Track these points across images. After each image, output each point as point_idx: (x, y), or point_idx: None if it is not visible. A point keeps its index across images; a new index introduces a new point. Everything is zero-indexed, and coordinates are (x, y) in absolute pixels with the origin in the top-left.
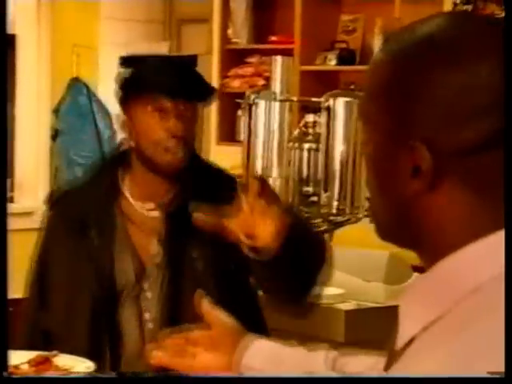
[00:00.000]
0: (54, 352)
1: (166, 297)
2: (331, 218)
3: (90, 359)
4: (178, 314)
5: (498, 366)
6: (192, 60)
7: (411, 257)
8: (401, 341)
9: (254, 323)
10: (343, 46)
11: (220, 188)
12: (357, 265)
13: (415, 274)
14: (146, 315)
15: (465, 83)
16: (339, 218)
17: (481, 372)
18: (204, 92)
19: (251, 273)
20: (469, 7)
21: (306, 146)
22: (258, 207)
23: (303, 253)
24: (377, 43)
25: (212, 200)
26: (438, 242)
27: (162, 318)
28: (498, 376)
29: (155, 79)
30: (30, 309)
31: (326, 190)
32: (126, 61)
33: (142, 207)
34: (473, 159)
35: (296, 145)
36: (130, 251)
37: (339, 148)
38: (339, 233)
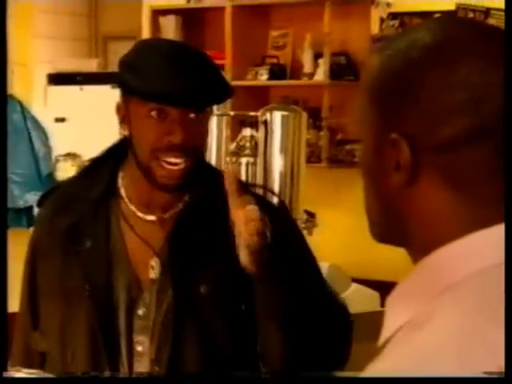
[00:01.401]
0: (17, 368)
1: (159, 318)
2: None
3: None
4: (169, 337)
5: (460, 362)
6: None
7: (350, 268)
8: (381, 339)
9: (250, 357)
10: (274, 60)
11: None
12: None
13: (354, 285)
14: (136, 335)
15: (444, 81)
16: None
17: (443, 369)
18: (218, 95)
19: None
20: (395, 22)
21: (244, 160)
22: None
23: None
24: (306, 58)
25: (223, 212)
26: (421, 238)
27: (152, 340)
28: (498, 376)
29: (158, 89)
30: (23, 328)
31: None
32: (125, 63)
33: (142, 216)
34: (452, 155)
35: (233, 159)
36: (124, 261)
37: (277, 161)
38: None
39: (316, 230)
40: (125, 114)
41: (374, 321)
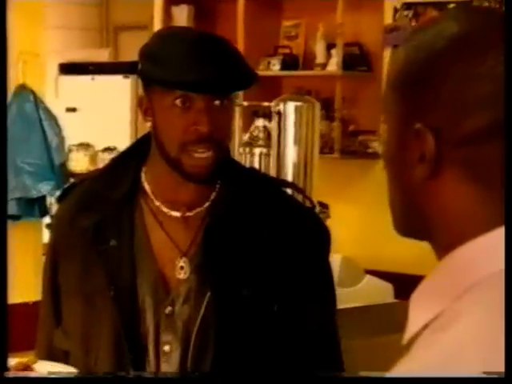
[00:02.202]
0: (33, 358)
1: (194, 319)
2: None
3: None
4: (198, 339)
5: (484, 362)
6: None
7: (364, 259)
8: (406, 335)
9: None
10: (286, 51)
11: (264, 196)
12: None
13: (368, 276)
14: (164, 335)
15: (470, 72)
16: None
17: (468, 369)
18: (242, 82)
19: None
20: (409, 12)
21: (257, 150)
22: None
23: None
24: (319, 48)
25: (255, 211)
26: (445, 233)
27: (181, 341)
28: (497, 376)
29: (182, 77)
30: (46, 326)
31: None
32: (146, 53)
33: (167, 212)
34: (475, 149)
35: (247, 150)
36: (150, 259)
37: (290, 152)
38: None
39: (329, 221)
40: (148, 106)
41: (388, 312)
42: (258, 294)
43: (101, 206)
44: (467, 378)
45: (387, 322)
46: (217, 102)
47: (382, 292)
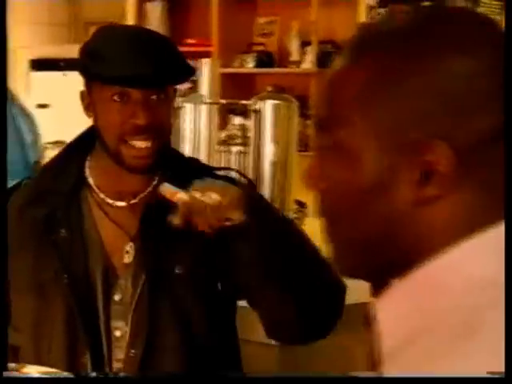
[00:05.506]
0: (22, 364)
1: (134, 302)
2: None
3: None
4: (145, 320)
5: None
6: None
7: None
8: (383, 347)
9: (225, 337)
10: (261, 48)
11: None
12: None
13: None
14: (114, 321)
15: (471, 70)
16: None
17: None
18: (180, 75)
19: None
20: (384, 10)
21: (234, 149)
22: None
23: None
24: (293, 46)
25: None
26: (424, 246)
27: (130, 326)
28: (498, 376)
29: (119, 72)
30: None
31: None
32: (86, 50)
33: (112, 203)
34: (482, 152)
35: (224, 148)
36: (99, 248)
37: (268, 150)
38: None
39: (307, 220)
40: (89, 101)
41: (364, 312)
42: (193, 272)
43: (49, 199)
44: (467, 377)
45: (362, 321)
46: (153, 96)
47: (359, 291)
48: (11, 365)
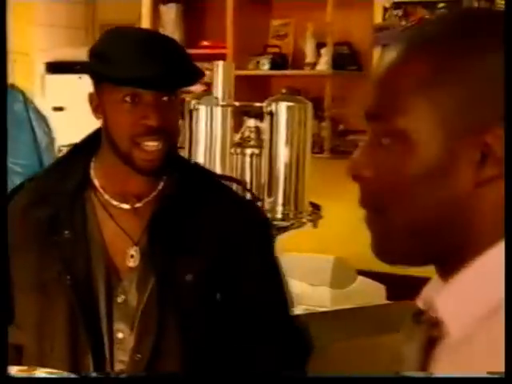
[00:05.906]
0: (33, 367)
1: (141, 306)
2: (275, 223)
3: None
4: (152, 325)
5: None
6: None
7: (356, 260)
8: (453, 334)
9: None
10: (276, 50)
11: (206, 190)
12: (302, 270)
13: (360, 278)
14: (116, 323)
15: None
16: (283, 223)
17: None
18: (188, 78)
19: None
20: (399, 12)
21: (248, 151)
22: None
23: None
24: (308, 47)
25: (198, 203)
26: (476, 246)
27: (135, 329)
28: (498, 376)
29: (130, 74)
30: None
31: (269, 195)
32: (95, 52)
33: (116, 205)
34: None
35: (238, 150)
36: (102, 250)
37: (282, 152)
38: (283, 238)
39: (321, 221)
40: (98, 103)
41: (380, 314)
42: (200, 280)
43: (53, 199)
44: (467, 378)
45: (378, 323)
46: (165, 98)
47: (375, 293)
48: (22, 367)
